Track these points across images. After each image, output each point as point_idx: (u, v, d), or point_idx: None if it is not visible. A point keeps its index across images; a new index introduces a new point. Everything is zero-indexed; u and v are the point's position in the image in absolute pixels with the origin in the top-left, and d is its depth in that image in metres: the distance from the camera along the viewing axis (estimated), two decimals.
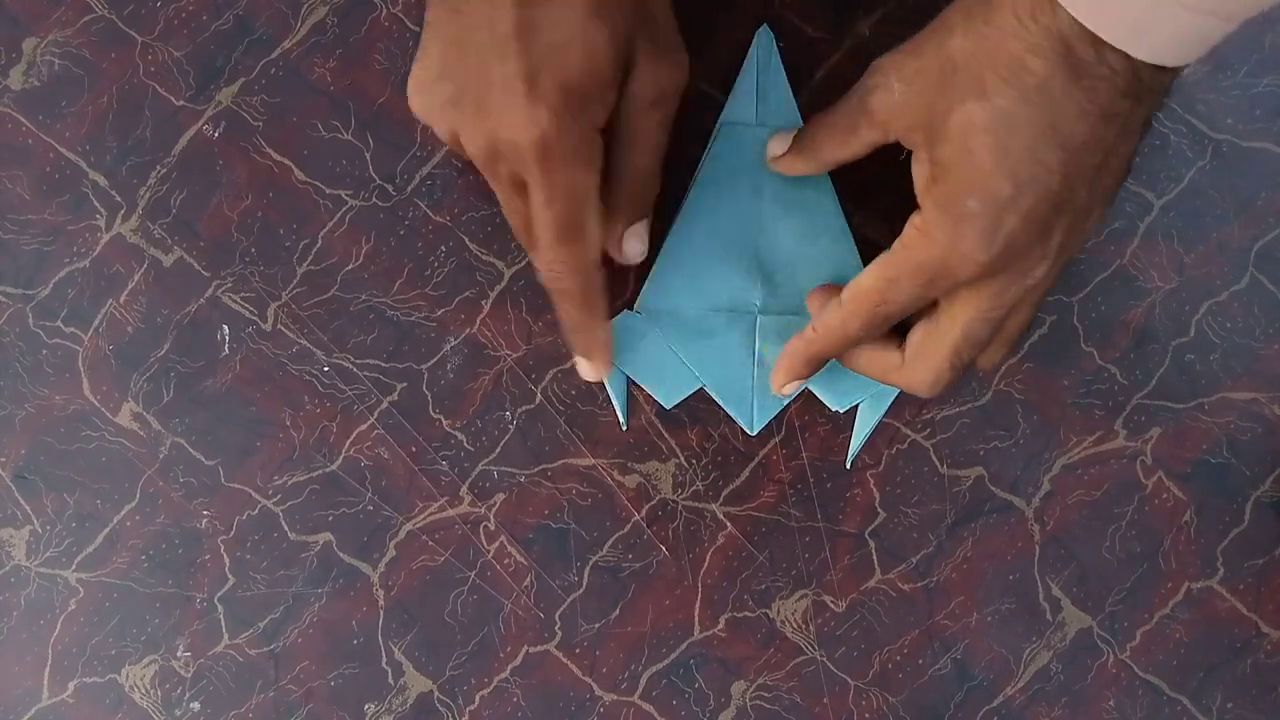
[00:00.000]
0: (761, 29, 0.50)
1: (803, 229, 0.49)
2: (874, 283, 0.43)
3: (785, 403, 0.49)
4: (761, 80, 0.50)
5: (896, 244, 0.42)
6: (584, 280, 0.45)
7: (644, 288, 0.49)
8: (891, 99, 0.42)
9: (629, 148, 0.45)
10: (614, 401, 0.50)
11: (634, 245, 0.47)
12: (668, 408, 0.49)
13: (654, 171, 0.46)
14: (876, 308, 0.43)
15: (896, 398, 0.49)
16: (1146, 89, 0.39)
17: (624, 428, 0.50)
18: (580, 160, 0.42)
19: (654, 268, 0.49)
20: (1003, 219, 0.40)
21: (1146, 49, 0.38)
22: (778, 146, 0.48)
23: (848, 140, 0.45)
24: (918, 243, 0.41)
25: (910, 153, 0.43)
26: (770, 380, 0.48)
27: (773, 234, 0.49)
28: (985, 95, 0.39)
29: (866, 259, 0.47)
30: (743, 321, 0.49)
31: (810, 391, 0.49)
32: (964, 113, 0.39)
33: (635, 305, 0.49)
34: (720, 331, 0.49)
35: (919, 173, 0.42)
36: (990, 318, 0.43)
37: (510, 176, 0.43)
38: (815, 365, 0.47)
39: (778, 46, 0.50)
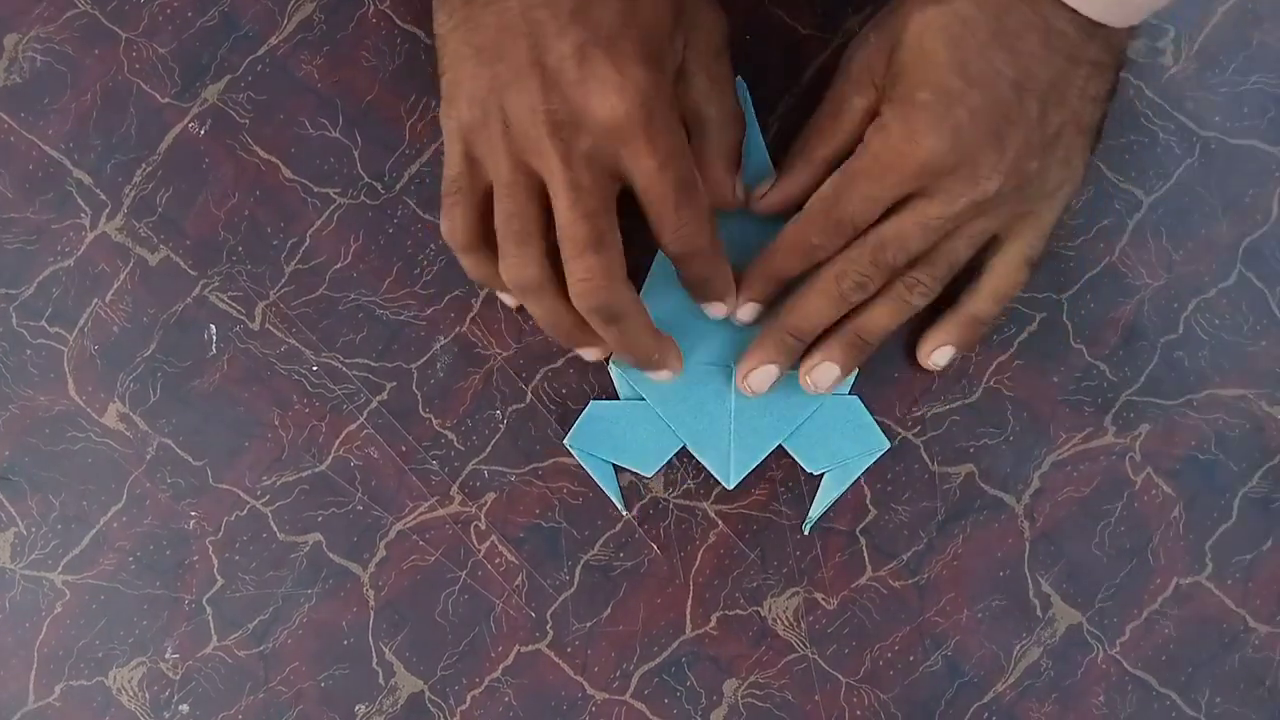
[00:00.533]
0: (736, 81, 0.49)
1: None
2: (834, 181, 0.44)
3: (762, 456, 0.49)
4: None
5: (856, 149, 0.44)
6: (711, 230, 0.44)
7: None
8: (868, 49, 0.44)
9: (714, 98, 0.45)
10: (608, 493, 0.49)
11: (741, 191, 0.47)
12: (649, 475, 0.49)
13: (740, 113, 0.46)
14: (831, 210, 0.44)
15: (872, 437, 0.49)
16: (1095, 28, 0.42)
17: (625, 514, 0.50)
18: (675, 116, 0.42)
19: None
20: (952, 109, 0.42)
21: (1084, 5, 0.41)
22: (761, 186, 0.48)
23: (837, 121, 0.45)
24: (872, 138, 0.43)
25: None
26: (739, 312, 0.47)
27: None
28: (944, 1, 0.42)
29: None
30: (717, 375, 0.49)
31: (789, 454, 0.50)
32: (922, 16, 0.42)
33: (609, 360, 0.49)
34: (695, 385, 0.49)
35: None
36: (929, 224, 0.43)
37: (591, 154, 0.40)
38: (776, 283, 0.46)
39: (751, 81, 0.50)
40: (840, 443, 0.49)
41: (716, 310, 0.47)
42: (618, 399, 0.49)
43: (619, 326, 0.43)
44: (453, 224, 0.44)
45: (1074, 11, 0.41)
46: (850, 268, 0.44)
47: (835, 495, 0.49)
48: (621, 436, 0.49)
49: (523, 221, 0.42)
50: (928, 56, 0.42)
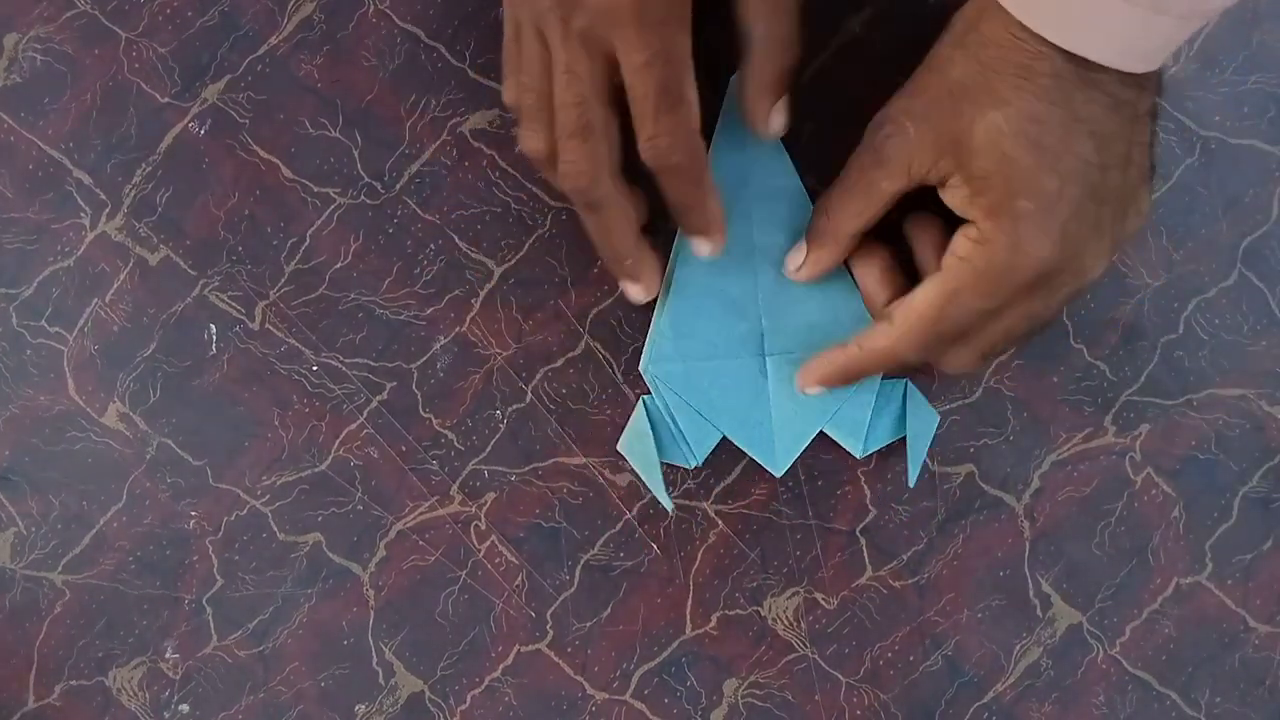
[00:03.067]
0: (734, 77, 0.48)
1: None
2: (931, 299, 0.42)
3: (807, 441, 0.48)
4: (741, 124, 0.47)
5: (948, 259, 0.42)
6: (691, 148, 0.42)
7: (646, 348, 0.48)
8: (909, 140, 0.42)
9: (762, 16, 0.43)
10: (656, 492, 0.48)
11: (778, 120, 0.45)
12: (691, 467, 0.48)
13: (794, 38, 0.43)
14: (933, 326, 0.42)
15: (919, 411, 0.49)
16: (1146, 79, 0.41)
17: (672, 512, 0.49)
18: (676, 18, 0.40)
19: (653, 326, 0.48)
20: (1055, 210, 0.40)
21: (1117, 57, 0.39)
22: (794, 259, 0.47)
23: (867, 201, 0.44)
24: (975, 252, 0.41)
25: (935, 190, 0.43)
26: (796, 378, 0.47)
27: (770, 275, 0.48)
28: (1004, 102, 0.40)
29: None
30: (752, 366, 0.48)
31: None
32: (987, 123, 0.40)
33: (639, 366, 0.49)
34: (731, 379, 0.48)
35: (956, 195, 0.42)
36: (1035, 318, 0.42)
37: (585, 34, 0.40)
38: (850, 381, 0.46)
39: None
40: (884, 424, 0.48)
41: (700, 248, 0.46)
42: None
43: (596, 216, 0.43)
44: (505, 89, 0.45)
45: (1126, 73, 0.40)
46: (964, 368, 0.44)
47: (926, 443, 0.49)
48: (658, 430, 0.48)
49: (536, 96, 0.42)
50: (1012, 163, 0.40)
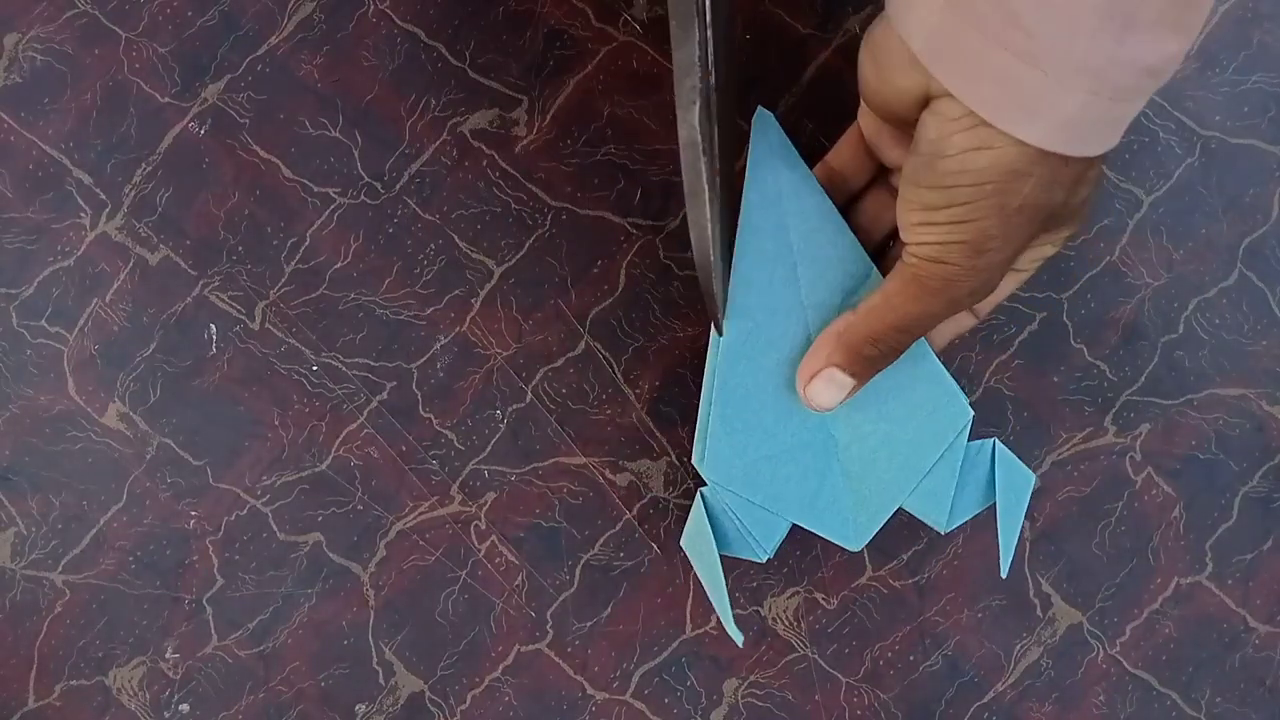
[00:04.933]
0: (758, 112, 0.43)
1: None
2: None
3: (888, 515, 0.43)
4: (773, 167, 0.43)
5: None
6: None
7: (696, 443, 0.43)
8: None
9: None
10: (718, 605, 0.43)
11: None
12: (762, 560, 0.44)
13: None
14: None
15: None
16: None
17: (740, 644, 0.44)
18: None
19: (700, 418, 0.43)
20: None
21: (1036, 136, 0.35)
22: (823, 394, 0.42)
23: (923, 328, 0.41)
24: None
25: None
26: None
27: None
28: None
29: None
30: (818, 447, 0.43)
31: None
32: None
33: (693, 459, 0.44)
34: (796, 466, 0.43)
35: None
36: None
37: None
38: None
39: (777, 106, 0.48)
40: (971, 492, 0.44)
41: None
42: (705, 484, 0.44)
43: None
44: None
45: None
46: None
47: (1017, 527, 0.44)
48: (721, 524, 0.44)
49: None
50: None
